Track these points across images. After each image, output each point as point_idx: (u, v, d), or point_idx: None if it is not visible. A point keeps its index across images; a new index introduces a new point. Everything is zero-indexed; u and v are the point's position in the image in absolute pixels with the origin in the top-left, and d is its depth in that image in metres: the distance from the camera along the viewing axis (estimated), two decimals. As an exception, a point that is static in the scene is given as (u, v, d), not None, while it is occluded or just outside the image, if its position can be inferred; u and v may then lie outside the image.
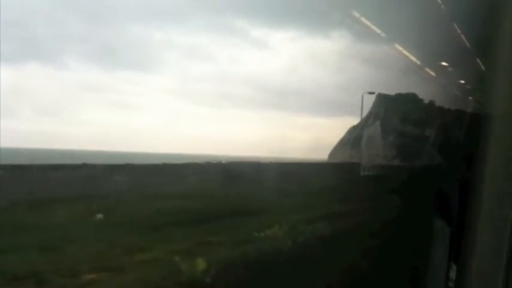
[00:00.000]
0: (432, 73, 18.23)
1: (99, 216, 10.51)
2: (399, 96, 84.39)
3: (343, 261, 6.32)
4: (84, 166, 14.31)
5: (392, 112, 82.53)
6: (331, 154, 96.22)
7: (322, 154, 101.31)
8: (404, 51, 17.08)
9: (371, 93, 32.29)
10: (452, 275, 4.09)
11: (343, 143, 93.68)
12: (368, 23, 13.95)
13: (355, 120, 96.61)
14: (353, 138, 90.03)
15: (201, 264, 6.21)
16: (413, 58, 17.49)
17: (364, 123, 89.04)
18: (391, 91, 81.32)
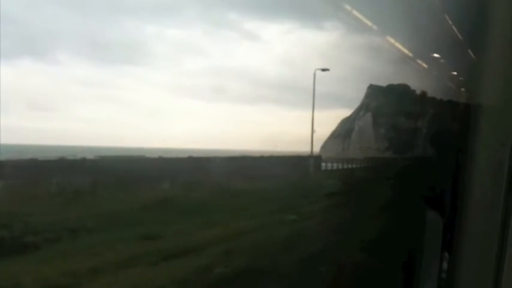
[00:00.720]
0: (424, 65, 18.41)
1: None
2: (391, 88, 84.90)
3: (330, 255, 6.42)
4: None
5: (384, 103, 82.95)
6: (323, 147, 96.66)
7: (319, 147, 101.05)
8: (397, 43, 17.23)
9: (324, 69, 31.97)
10: (445, 265, 4.19)
11: (334, 136, 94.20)
12: (361, 14, 14.06)
13: (349, 113, 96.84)
14: (345, 131, 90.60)
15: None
16: (405, 50, 17.64)
17: (355, 115, 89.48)
18: (385, 82, 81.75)
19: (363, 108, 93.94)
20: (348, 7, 13.46)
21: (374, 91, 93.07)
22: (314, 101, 31.63)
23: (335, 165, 40.03)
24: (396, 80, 73.00)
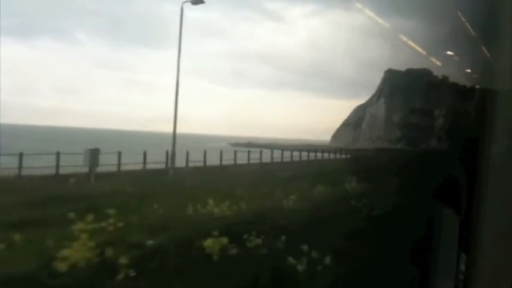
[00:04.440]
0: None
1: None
2: (410, 72, 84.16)
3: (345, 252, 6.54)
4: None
5: (400, 89, 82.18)
6: (334, 136, 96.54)
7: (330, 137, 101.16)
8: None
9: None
10: (462, 266, 4.26)
11: (346, 124, 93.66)
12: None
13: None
14: (356, 119, 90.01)
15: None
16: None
17: (368, 102, 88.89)
18: (405, 67, 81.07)
19: (376, 93, 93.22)
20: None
21: (391, 75, 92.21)
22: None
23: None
24: (417, 65, 72.42)
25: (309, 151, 40.26)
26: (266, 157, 32.53)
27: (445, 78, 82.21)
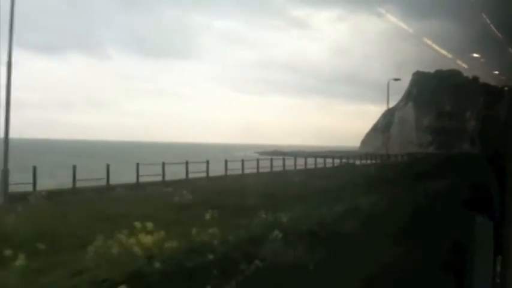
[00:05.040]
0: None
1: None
2: (438, 74, 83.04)
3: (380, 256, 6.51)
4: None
5: (428, 91, 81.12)
6: (363, 142, 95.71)
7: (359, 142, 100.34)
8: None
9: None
10: (499, 268, 4.32)
11: (375, 129, 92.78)
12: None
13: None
14: (385, 123, 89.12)
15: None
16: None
17: (397, 105, 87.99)
18: (433, 68, 79.82)
19: (404, 96, 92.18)
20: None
21: (419, 78, 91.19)
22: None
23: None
24: (444, 68, 71.16)
25: (341, 158, 40.17)
26: (289, 163, 32.59)
27: (475, 80, 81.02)
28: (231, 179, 24.16)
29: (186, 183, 20.81)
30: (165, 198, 12.16)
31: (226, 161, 27.31)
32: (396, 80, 31.69)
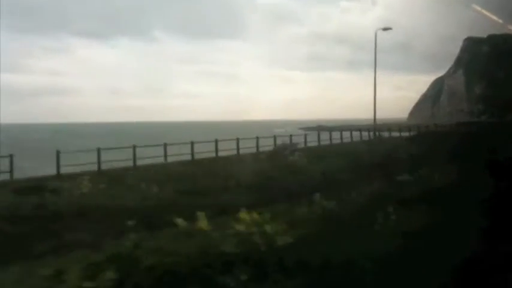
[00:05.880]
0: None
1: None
2: (491, 39, 79.35)
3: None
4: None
5: (481, 57, 77.75)
6: (411, 113, 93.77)
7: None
8: None
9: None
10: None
11: (424, 100, 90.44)
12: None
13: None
14: (435, 93, 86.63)
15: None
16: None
17: (446, 73, 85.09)
18: (486, 33, 76.09)
19: (454, 64, 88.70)
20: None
21: (470, 44, 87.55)
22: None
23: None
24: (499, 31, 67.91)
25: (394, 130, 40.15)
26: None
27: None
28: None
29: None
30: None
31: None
32: (385, 29, 29.21)
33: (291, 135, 26.19)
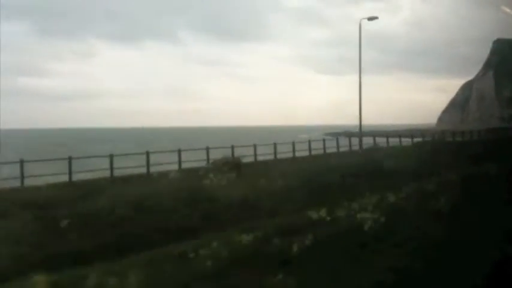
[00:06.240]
0: None
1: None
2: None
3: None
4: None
5: (511, 58, 75.04)
6: (440, 118, 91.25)
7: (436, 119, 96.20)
8: None
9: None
10: None
11: (453, 104, 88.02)
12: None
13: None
14: (464, 97, 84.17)
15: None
16: None
17: (475, 77, 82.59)
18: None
19: (483, 66, 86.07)
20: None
21: (500, 46, 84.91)
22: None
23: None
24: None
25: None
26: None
27: None
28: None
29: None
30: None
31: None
32: (371, 19, 27.71)
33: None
